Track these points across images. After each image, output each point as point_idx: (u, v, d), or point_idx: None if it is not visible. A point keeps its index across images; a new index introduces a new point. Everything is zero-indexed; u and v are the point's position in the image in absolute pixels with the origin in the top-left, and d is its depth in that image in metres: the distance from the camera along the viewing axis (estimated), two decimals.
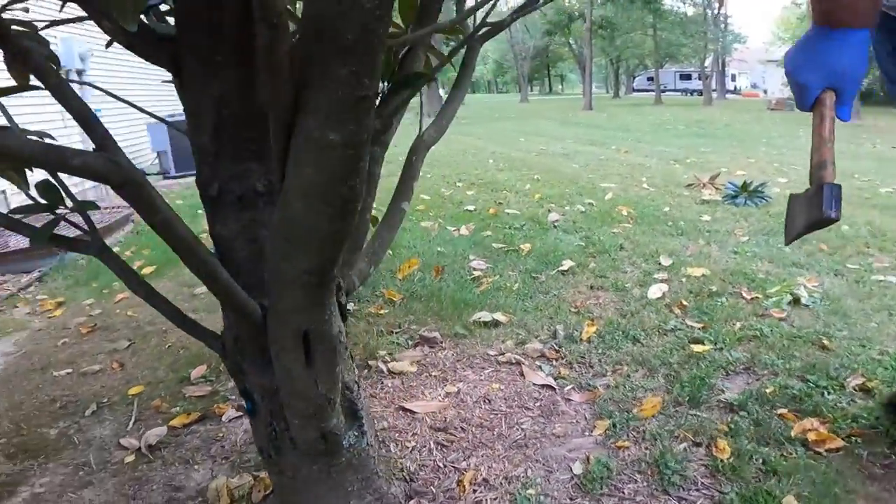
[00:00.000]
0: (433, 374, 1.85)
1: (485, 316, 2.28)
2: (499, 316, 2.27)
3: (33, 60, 0.68)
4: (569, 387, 1.73)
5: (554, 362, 1.90)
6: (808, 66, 0.99)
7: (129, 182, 0.68)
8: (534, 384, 1.76)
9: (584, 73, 23.21)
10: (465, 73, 1.59)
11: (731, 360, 1.83)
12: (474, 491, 1.25)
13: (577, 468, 1.31)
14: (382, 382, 1.80)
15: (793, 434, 1.39)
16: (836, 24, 0.95)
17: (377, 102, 1.25)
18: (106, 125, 0.72)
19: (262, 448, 1.08)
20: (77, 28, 5.51)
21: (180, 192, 6.10)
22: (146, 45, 0.90)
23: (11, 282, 3.59)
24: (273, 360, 0.90)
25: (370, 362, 1.93)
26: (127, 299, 2.82)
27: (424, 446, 1.43)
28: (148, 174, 7.82)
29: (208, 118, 0.88)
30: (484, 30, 1.72)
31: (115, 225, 4.87)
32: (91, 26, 1.08)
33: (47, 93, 0.70)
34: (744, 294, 2.39)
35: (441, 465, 1.35)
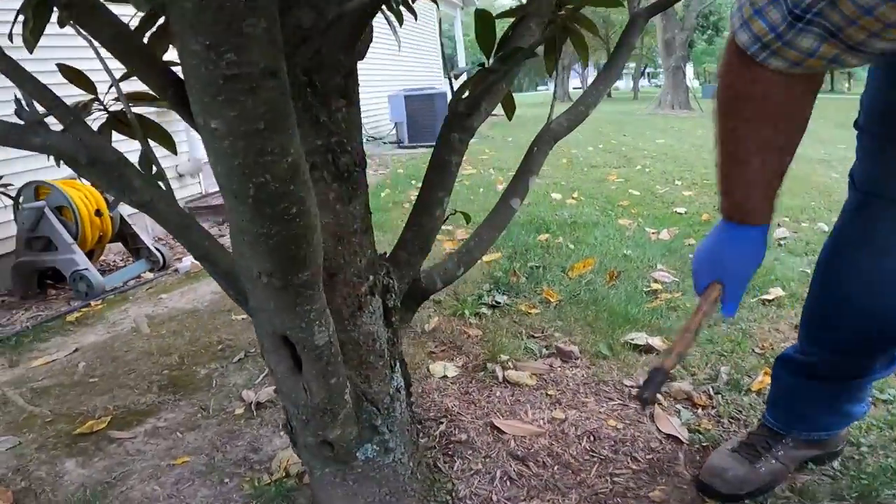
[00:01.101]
0: (549, 392, 1.67)
1: (639, 338, 1.98)
2: (655, 341, 1.96)
3: None
4: (702, 444, 1.41)
5: (699, 410, 1.57)
6: (703, 256, 1.01)
7: (98, 161, 0.68)
8: (659, 431, 1.47)
9: None
10: (620, 54, 1.37)
11: None
12: None
13: None
14: (491, 390, 1.68)
15: None
16: (730, 219, 0.97)
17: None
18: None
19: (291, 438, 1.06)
20: None
21: (406, 162, 6.52)
22: None
23: None
24: None
25: (489, 364, 1.81)
26: None
27: (490, 473, 1.28)
28: (385, 142, 8.52)
29: None
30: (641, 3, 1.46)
31: None
32: None
33: None
34: None
35: (495, 498, 1.19)
